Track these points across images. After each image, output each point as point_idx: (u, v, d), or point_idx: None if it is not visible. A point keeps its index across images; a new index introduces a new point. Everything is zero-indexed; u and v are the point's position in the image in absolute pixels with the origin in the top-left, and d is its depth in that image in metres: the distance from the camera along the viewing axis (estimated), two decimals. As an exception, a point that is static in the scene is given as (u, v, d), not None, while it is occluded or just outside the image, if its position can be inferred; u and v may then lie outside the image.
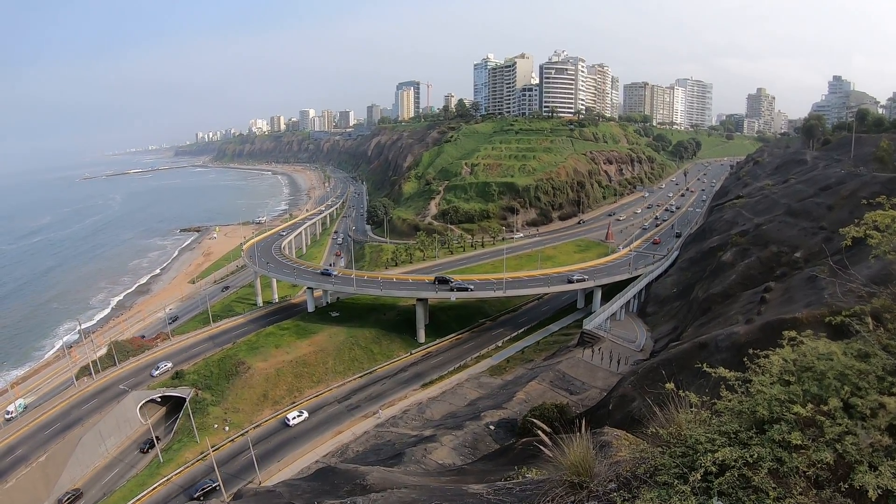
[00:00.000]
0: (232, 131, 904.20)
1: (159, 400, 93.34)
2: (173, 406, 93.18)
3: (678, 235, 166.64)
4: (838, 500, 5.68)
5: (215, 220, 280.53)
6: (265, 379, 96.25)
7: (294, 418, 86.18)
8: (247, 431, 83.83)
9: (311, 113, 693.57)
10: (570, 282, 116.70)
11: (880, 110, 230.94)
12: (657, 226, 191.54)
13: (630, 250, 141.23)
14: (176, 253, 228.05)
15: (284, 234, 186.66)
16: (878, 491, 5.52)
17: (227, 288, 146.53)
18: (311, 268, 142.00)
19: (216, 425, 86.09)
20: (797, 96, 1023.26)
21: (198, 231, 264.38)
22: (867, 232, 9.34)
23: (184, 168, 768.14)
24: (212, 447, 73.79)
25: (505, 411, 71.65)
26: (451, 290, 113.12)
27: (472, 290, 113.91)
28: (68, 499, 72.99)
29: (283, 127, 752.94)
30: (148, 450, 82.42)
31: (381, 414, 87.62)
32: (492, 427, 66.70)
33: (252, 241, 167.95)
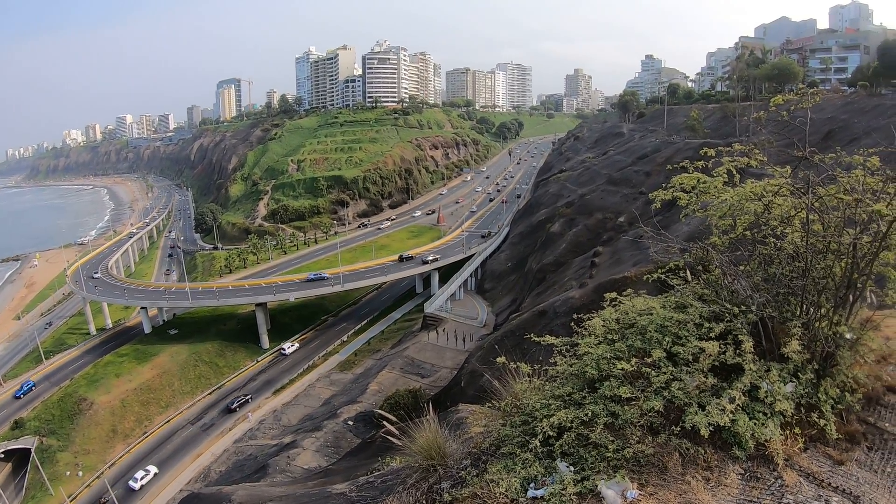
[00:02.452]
0: (45, 145, 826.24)
1: (2, 456, 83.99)
2: (20, 460, 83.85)
3: (519, 196, 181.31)
4: (674, 442, 6.02)
5: (36, 245, 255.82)
6: (111, 413, 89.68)
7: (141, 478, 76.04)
8: (102, 472, 77.91)
9: (129, 119, 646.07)
10: (426, 262, 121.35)
11: (690, 84, 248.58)
12: (498, 191, 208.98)
13: (462, 231, 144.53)
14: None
15: (110, 252, 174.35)
16: (710, 428, 5.90)
17: (49, 324, 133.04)
18: (149, 286, 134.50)
19: (68, 472, 78.89)
20: (613, 75, 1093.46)
21: (17, 260, 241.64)
22: (674, 194, 9.99)
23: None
24: (69, 497, 69.23)
25: (360, 405, 71.63)
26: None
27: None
28: None
29: (99, 136, 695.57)
30: None
31: (250, 417, 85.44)
32: (350, 423, 66.56)
33: (76, 264, 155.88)
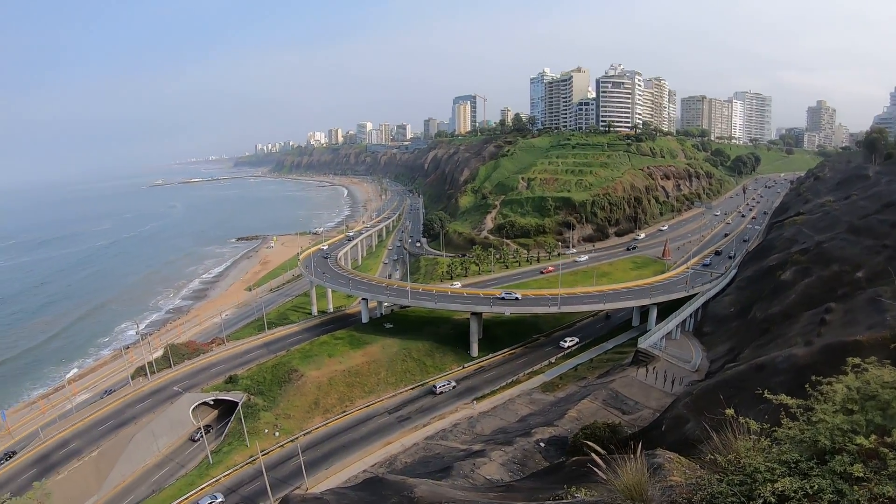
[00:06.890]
0: (290, 143, 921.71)
1: (212, 403, 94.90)
2: (225, 410, 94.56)
3: (746, 240, 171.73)
4: (898, 535, 5.43)
5: (273, 229, 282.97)
6: (317, 387, 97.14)
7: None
8: (297, 438, 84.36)
9: (369, 126, 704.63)
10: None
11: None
12: (725, 236, 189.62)
13: (687, 268, 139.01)
14: (232, 261, 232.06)
15: (340, 244, 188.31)
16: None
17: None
18: (372, 280, 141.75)
19: (266, 430, 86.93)
20: (858, 109, 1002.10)
21: (255, 240, 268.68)
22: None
23: (242, 178, 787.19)
24: (261, 451, 75.06)
25: (556, 429, 70.70)
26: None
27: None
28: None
29: (340, 139, 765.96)
30: (199, 438, 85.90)
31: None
32: (542, 444, 65.80)
33: (308, 251, 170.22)
